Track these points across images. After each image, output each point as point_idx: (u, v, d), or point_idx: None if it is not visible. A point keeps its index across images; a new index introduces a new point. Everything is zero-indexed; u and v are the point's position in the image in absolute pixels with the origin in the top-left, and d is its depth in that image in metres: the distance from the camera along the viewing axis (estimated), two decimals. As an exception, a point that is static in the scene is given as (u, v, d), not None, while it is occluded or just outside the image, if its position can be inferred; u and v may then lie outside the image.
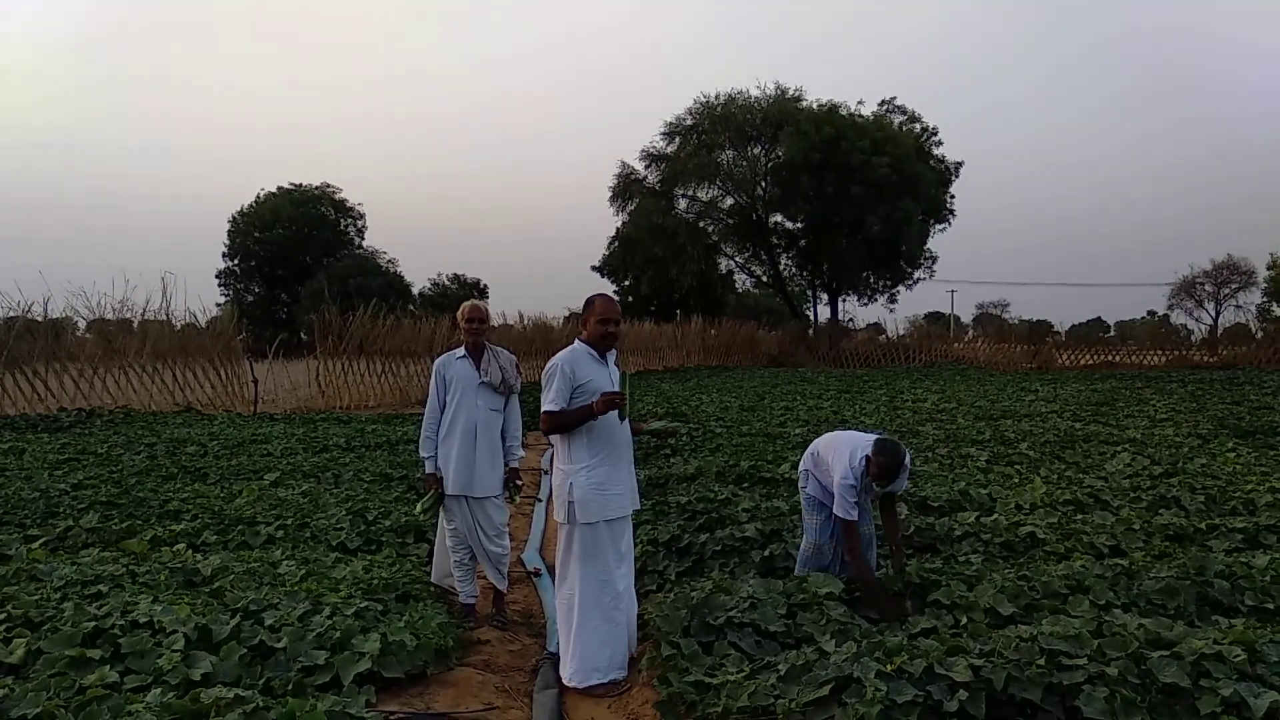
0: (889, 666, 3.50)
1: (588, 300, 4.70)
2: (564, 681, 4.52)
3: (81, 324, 19.92)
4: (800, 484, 5.63)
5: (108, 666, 3.84)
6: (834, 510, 5.15)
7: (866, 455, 5.04)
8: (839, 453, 5.20)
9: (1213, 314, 64.73)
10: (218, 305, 44.81)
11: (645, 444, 11.36)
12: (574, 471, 4.52)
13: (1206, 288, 65.94)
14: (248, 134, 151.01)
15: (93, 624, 4.19)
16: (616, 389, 4.50)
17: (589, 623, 4.51)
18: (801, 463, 5.65)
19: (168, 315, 20.01)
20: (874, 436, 5.20)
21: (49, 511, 7.36)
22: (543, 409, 4.53)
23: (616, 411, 4.45)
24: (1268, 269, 62.40)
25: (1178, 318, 64.12)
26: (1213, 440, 11.36)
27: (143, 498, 7.91)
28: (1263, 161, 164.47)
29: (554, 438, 4.68)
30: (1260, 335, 35.62)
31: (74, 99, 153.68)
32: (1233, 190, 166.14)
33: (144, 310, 19.82)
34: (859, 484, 5.04)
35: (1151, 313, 75.03)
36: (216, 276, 60.66)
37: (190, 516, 7.23)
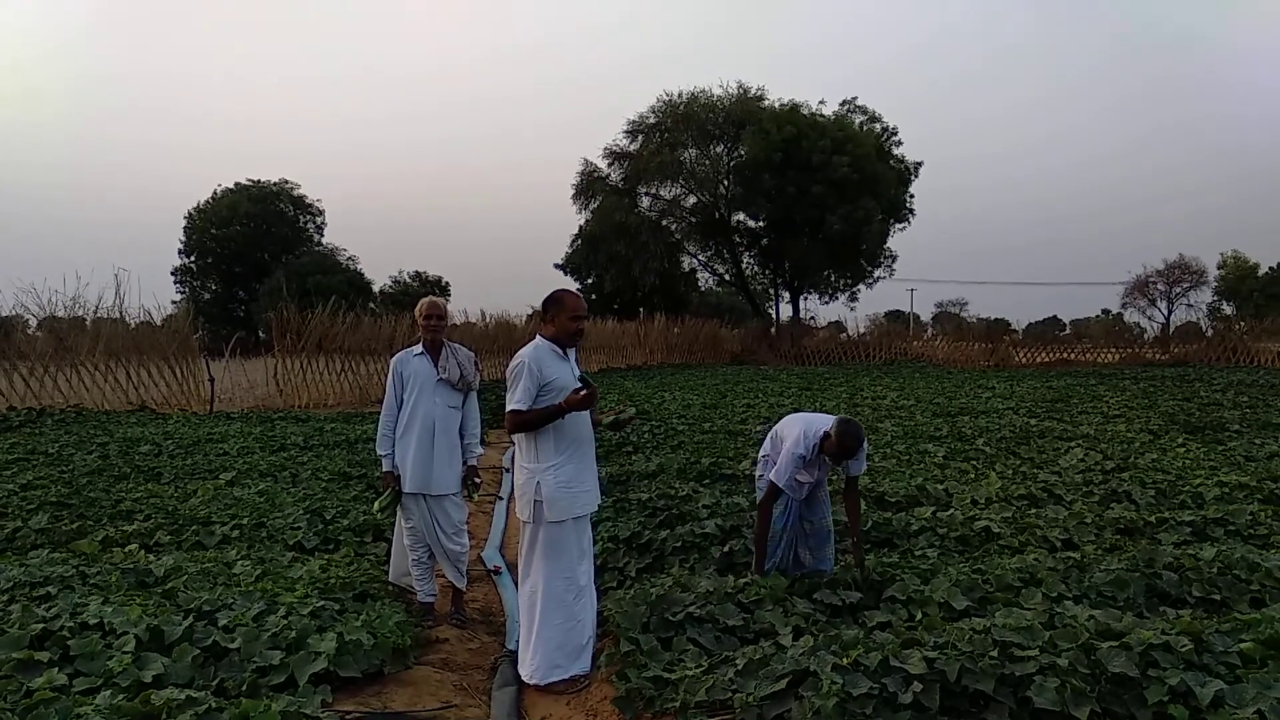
0: (845, 660, 3.53)
1: (554, 297, 4.62)
2: (525, 678, 4.50)
3: (32, 322, 19.57)
4: (758, 472, 5.62)
5: (56, 669, 3.76)
6: (770, 475, 5.18)
7: (826, 431, 5.07)
8: (796, 426, 5.27)
9: (1165, 312, 66.05)
10: (173, 303, 44.22)
11: (607, 440, 11.36)
12: (541, 470, 4.49)
13: (1159, 287, 67.23)
14: (205, 129, 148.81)
15: (41, 626, 4.11)
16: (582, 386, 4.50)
17: (552, 620, 4.49)
18: (761, 449, 5.62)
19: (121, 313, 19.73)
20: (836, 418, 5.24)
21: (-4, 512, 7.20)
22: (509, 408, 4.46)
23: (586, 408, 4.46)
24: (1218, 269, 64.10)
25: (1131, 316, 65.36)
26: (1163, 436, 11.59)
27: (94, 498, 7.78)
28: (1214, 164, 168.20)
29: (519, 436, 4.62)
30: (1210, 333, 36.44)
31: (23, 92, 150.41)
32: (1185, 192, 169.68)
33: (97, 308, 19.55)
34: (809, 455, 5.07)
35: (1106, 311, 76.54)
36: (172, 274, 59.84)
37: (143, 517, 7.11)
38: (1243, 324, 35.69)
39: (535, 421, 4.44)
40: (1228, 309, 59.56)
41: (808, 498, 5.34)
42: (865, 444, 5.23)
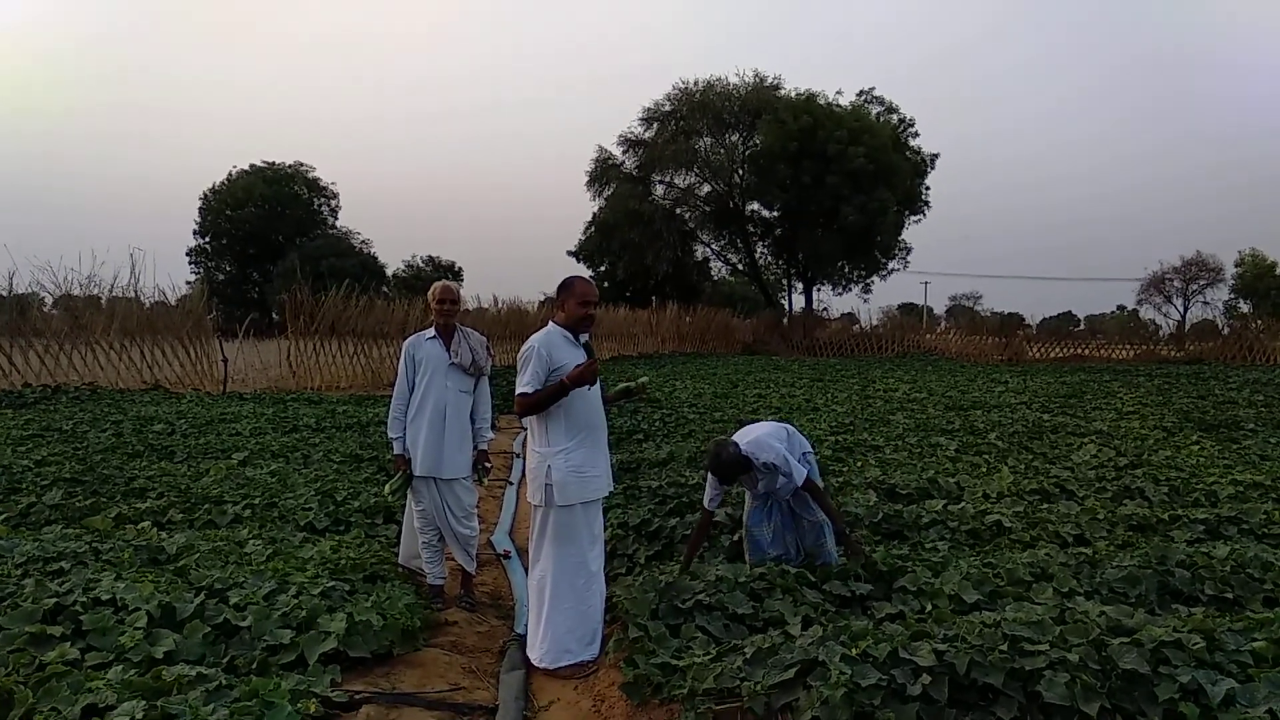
0: (854, 650, 3.51)
1: (564, 283, 4.65)
2: (534, 662, 4.52)
3: (48, 299, 19.64)
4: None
5: (68, 643, 3.79)
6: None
7: None
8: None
9: (1181, 310, 65.64)
10: (188, 283, 44.25)
11: (618, 427, 11.37)
12: (552, 454, 4.50)
13: (1175, 284, 66.81)
14: (220, 111, 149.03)
15: (54, 601, 4.14)
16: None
17: (561, 605, 4.51)
18: None
19: (136, 292, 19.80)
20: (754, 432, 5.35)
21: (11, 488, 7.26)
22: (518, 391, 4.48)
23: (591, 388, 4.48)
24: (1235, 266, 63.50)
25: (1147, 313, 64.99)
26: (1178, 433, 11.52)
27: (108, 475, 7.83)
28: (1234, 159, 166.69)
29: (530, 420, 4.62)
30: (1226, 331, 36.13)
31: (41, 70, 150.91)
32: (1204, 187, 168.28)
33: (112, 287, 19.64)
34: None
35: (1121, 307, 76.11)
36: (187, 254, 60.07)
37: (156, 495, 7.16)
38: (1260, 322, 35.31)
39: (543, 401, 4.45)
40: (1245, 307, 59.08)
41: (796, 496, 5.35)
42: (775, 459, 5.11)
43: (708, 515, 5.46)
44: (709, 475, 5.31)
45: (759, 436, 5.25)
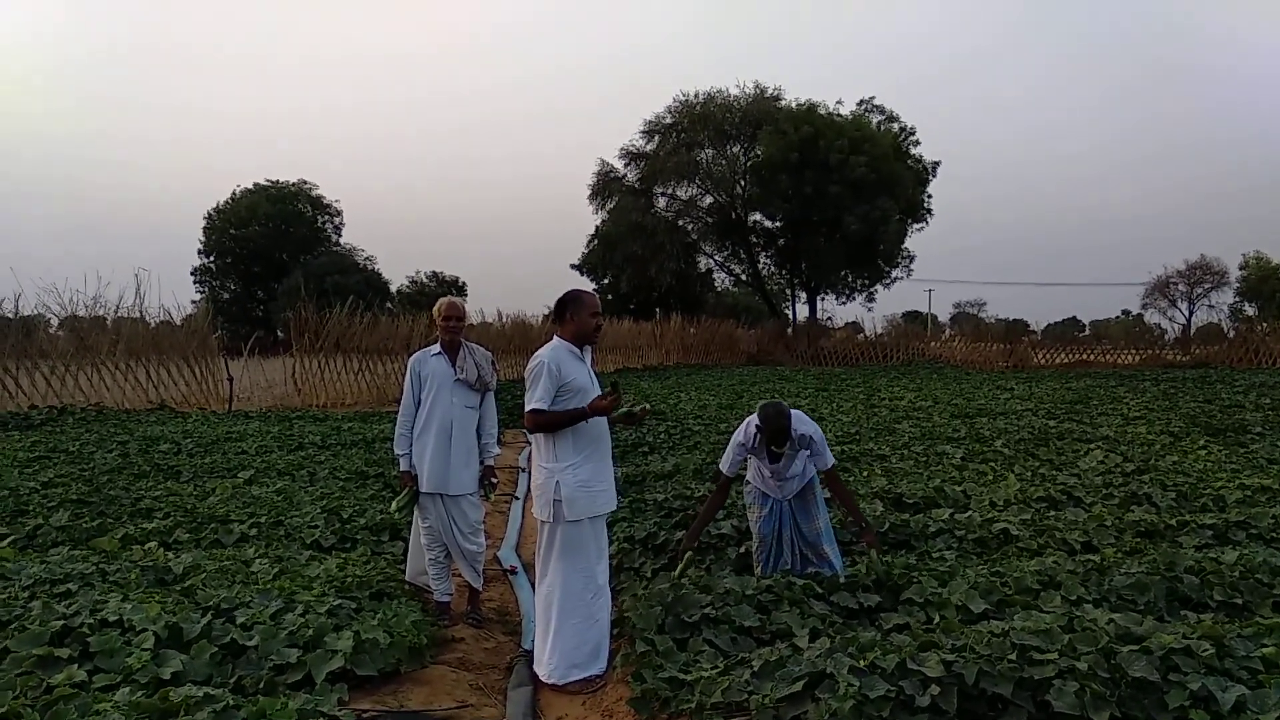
0: (862, 662, 3.51)
1: (572, 296, 4.62)
2: (542, 678, 4.50)
3: (54, 321, 19.73)
4: (745, 481, 5.72)
5: (76, 665, 3.79)
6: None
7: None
8: (745, 422, 5.39)
9: (1186, 313, 65.42)
10: (193, 302, 44.39)
11: (623, 440, 11.36)
12: (560, 469, 4.49)
13: (1180, 287, 66.67)
14: (224, 130, 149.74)
15: (61, 623, 4.14)
16: (594, 386, 4.52)
17: (570, 620, 4.49)
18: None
19: (141, 312, 19.90)
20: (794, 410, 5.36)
21: (18, 510, 7.26)
22: (529, 408, 4.45)
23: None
24: (1240, 269, 63.39)
25: (1151, 317, 64.75)
26: (1184, 438, 11.48)
27: (114, 496, 7.83)
28: (1237, 162, 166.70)
29: (537, 436, 4.61)
30: (1232, 334, 36.06)
31: (44, 91, 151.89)
32: (1207, 191, 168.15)
33: (117, 307, 19.72)
34: (749, 443, 5.24)
35: (1126, 312, 76.07)
36: (192, 273, 60.26)
37: (162, 515, 7.16)
38: (1265, 325, 35.24)
39: (558, 423, 4.45)
40: (1250, 310, 58.99)
41: (800, 500, 5.34)
42: (814, 433, 5.24)
43: (726, 482, 5.48)
44: (738, 435, 5.31)
45: (799, 413, 5.32)
